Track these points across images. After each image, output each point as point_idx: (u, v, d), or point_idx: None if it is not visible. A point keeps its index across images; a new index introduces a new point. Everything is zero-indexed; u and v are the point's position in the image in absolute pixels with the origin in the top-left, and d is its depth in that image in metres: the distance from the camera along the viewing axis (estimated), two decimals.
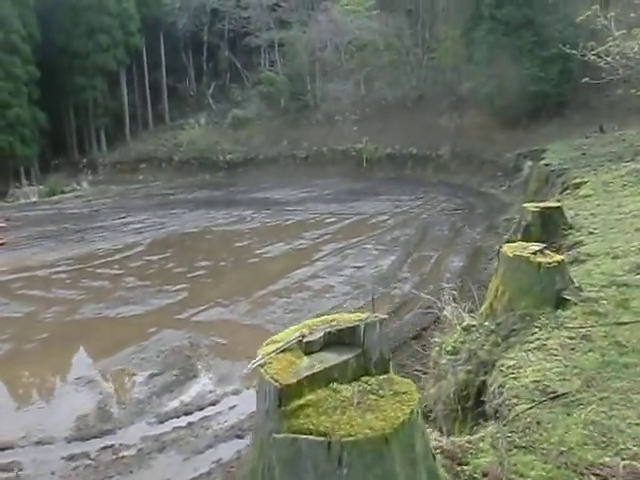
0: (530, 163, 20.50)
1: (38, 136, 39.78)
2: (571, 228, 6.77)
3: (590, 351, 2.80)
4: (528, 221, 6.59)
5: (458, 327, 3.84)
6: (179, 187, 34.80)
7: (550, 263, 3.48)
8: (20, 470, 5.96)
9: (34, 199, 34.00)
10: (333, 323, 1.74)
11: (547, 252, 3.71)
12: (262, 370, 1.56)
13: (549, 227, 6.65)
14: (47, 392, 7.71)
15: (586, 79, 15.31)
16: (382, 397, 1.55)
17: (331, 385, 1.57)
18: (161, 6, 41.94)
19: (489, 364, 3.06)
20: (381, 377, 1.62)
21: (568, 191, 11.79)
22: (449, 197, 22.45)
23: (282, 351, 1.63)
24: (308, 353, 1.64)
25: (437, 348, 3.83)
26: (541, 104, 25.64)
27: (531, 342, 3.06)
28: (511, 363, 2.84)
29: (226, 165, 38.79)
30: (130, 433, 6.47)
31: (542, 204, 7.13)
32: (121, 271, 14.35)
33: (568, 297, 3.41)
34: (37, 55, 38.10)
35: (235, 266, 14.43)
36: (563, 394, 2.38)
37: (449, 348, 3.61)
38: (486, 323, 3.42)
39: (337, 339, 1.68)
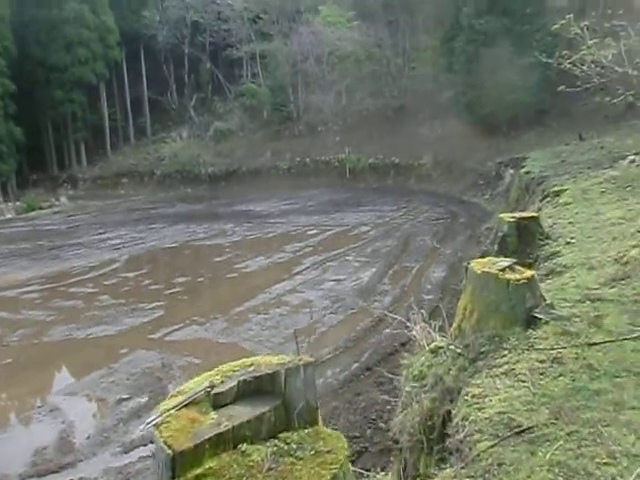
0: (511, 171, 20.53)
1: (15, 151, 39.17)
2: (548, 238, 6.61)
3: (560, 376, 2.58)
4: (504, 232, 6.41)
5: (426, 348, 3.61)
6: (160, 201, 34.40)
7: (519, 280, 3.27)
8: None
9: (9, 216, 33.28)
10: (250, 369, 1.49)
11: (517, 268, 3.50)
12: (157, 432, 1.31)
13: (526, 237, 6.49)
14: (6, 423, 7.30)
15: (562, 87, 15.28)
16: (300, 459, 1.31)
17: (240, 447, 1.32)
18: (141, 19, 41.71)
19: (455, 391, 2.83)
20: (305, 431, 1.38)
21: (548, 199, 11.70)
22: (431, 206, 22.38)
23: (186, 405, 1.38)
24: (218, 406, 1.39)
25: (404, 371, 3.58)
26: (521, 112, 25.80)
27: (499, 366, 2.84)
28: (477, 391, 2.61)
29: (208, 178, 38.53)
30: (92, 466, 6.11)
31: (518, 214, 6.97)
32: (95, 289, 13.94)
33: (539, 316, 3.20)
34: (13, 69, 37.60)
35: (213, 282, 14.12)
36: (529, 428, 2.15)
37: (415, 372, 3.37)
38: (452, 347, 3.19)
39: (255, 388, 1.43)
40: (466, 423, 2.32)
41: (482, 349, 3.07)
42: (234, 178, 37.45)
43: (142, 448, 6.37)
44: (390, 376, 6.81)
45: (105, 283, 14.63)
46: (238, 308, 11.28)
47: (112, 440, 6.57)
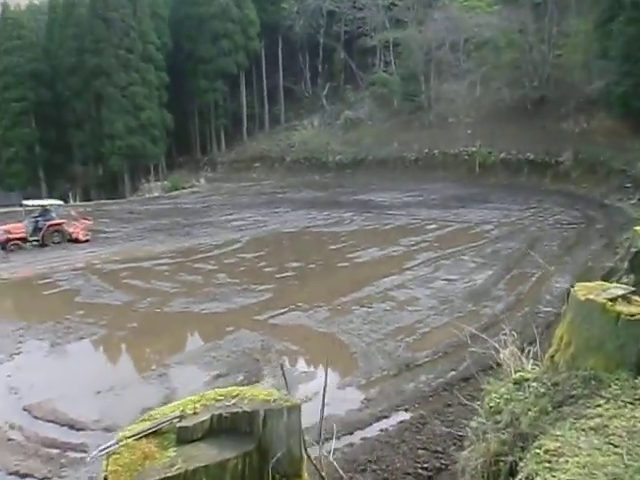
0: None
1: (165, 136, 43.26)
2: None
3: None
4: (639, 248, 5.47)
5: (511, 377, 3.16)
6: (287, 186, 35.68)
7: (634, 315, 2.68)
8: (84, 453, 6.21)
9: (156, 194, 36.92)
10: (232, 401, 1.30)
11: (634, 298, 2.88)
12: (104, 463, 1.18)
13: None
14: (124, 380, 8.03)
15: None
16: None
17: None
18: (280, 11, 43.36)
19: (529, 438, 2.40)
20: None
21: None
22: (565, 209, 20.28)
23: (148, 435, 1.23)
24: (184, 442, 1.22)
25: (482, 401, 3.17)
26: None
27: (590, 418, 2.33)
28: (553, 446, 2.16)
29: (335, 166, 39.11)
30: None
31: None
32: (215, 267, 14.83)
33: None
34: (168, 62, 41.44)
35: (324, 270, 14.23)
36: None
37: (492, 404, 2.95)
38: (534, 384, 2.71)
39: (231, 425, 1.24)
40: None
41: (573, 392, 2.57)
42: (360, 167, 37.57)
43: None
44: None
45: (225, 262, 15.49)
46: (343, 298, 11.21)
47: None
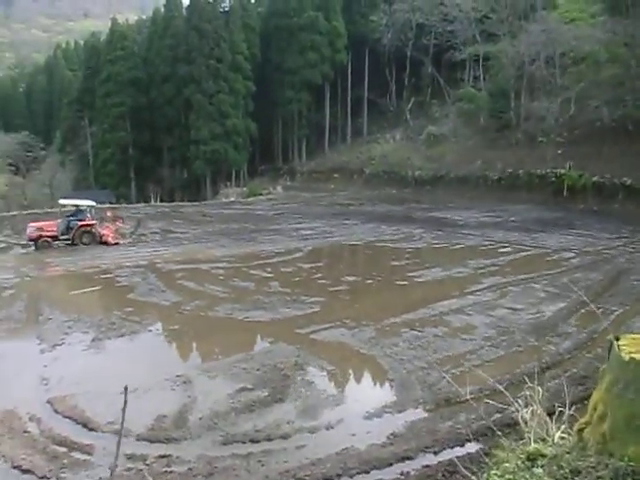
0: None
1: (249, 144, 44.41)
2: None
3: None
4: None
5: (523, 450, 2.37)
6: (363, 199, 35.21)
7: None
8: (89, 455, 5.97)
9: (232, 199, 37.85)
10: None
11: None
12: None
13: None
14: (148, 383, 7.76)
15: None
16: None
17: None
18: (368, 23, 43.18)
19: None
20: None
21: None
22: None
23: None
24: None
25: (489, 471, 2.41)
26: None
27: None
28: None
29: (414, 181, 38.26)
30: (191, 447, 6.07)
31: None
32: (270, 275, 14.54)
33: None
34: (255, 72, 42.63)
35: (380, 286, 13.48)
36: None
37: None
38: (542, 469, 1.92)
39: None
40: None
41: None
42: (440, 184, 36.46)
43: (239, 445, 6.11)
44: None
45: (281, 270, 15.19)
46: (393, 319, 10.44)
47: (218, 428, 6.46)
